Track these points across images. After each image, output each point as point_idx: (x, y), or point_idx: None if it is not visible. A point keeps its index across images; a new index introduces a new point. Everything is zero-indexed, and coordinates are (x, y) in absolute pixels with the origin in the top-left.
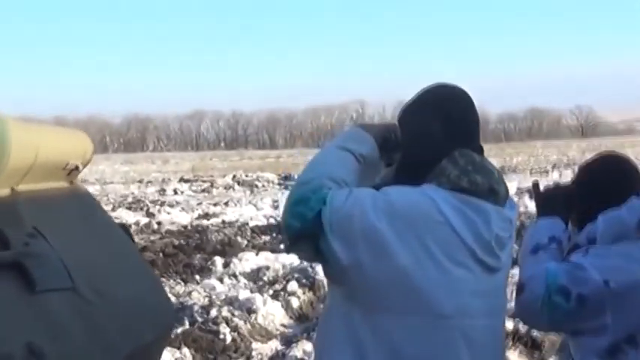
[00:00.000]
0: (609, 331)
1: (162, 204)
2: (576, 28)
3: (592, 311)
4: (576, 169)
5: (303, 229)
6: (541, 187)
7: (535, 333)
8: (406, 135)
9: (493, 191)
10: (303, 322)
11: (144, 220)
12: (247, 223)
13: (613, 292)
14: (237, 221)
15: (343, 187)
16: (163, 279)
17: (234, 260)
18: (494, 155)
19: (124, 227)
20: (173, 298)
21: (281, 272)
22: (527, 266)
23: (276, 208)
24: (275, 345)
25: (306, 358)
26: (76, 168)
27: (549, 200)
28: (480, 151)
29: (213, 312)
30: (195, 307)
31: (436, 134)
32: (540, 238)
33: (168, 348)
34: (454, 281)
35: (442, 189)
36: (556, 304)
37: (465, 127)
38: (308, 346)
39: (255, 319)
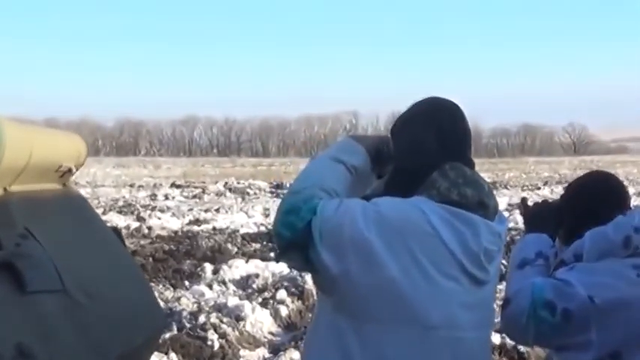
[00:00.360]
0: (594, 346)
1: (153, 209)
2: (571, 46)
3: (577, 326)
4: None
5: (293, 238)
6: (530, 203)
7: (522, 347)
8: (398, 147)
9: (483, 205)
10: (292, 331)
11: (134, 225)
12: (238, 231)
13: (598, 309)
14: (227, 228)
15: (334, 198)
16: (152, 284)
17: (224, 267)
18: (486, 170)
19: (116, 230)
20: (162, 304)
21: (270, 280)
22: (513, 281)
23: (267, 216)
24: (263, 353)
25: None
26: (69, 170)
27: (537, 216)
28: (471, 164)
29: (202, 318)
30: (184, 313)
31: (428, 147)
32: (527, 253)
33: (156, 353)
34: (442, 293)
35: (432, 201)
36: (541, 318)
37: (457, 141)
38: (296, 354)
39: (244, 326)
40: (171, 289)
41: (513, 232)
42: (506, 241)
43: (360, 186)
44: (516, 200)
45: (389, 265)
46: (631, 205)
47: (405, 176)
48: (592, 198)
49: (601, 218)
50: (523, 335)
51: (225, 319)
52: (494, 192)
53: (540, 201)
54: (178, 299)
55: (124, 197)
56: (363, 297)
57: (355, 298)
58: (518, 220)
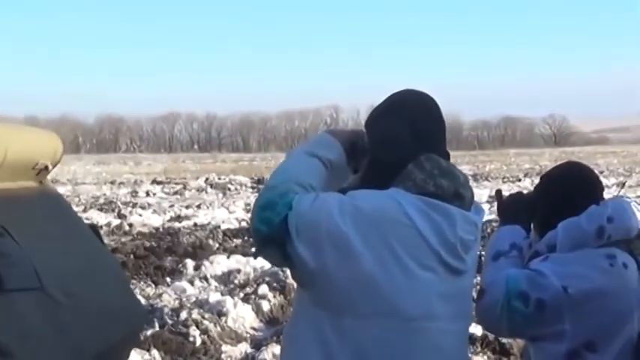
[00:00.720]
0: (568, 336)
1: (134, 206)
2: (551, 39)
3: (551, 317)
4: None
5: (270, 233)
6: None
7: (504, 339)
8: (373, 140)
9: (459, 195)
10: (274, 326)
11: (115, 222)
12: (219, 226)
13: (572, 299)
14: (209, 224)
15: (310, 192)
16: (134, 281)
17: (206, 263)
18: (467, 163)
19: (94, 227)
20: (143, 300)
21: (252, 275)
22: (488, 272)
23: (248, 211)
24: (245, 348)
25: None
26: (46, 168)
27: (511, 208)
28: (446, 155)
29: (184, 314)
30: (166, 310)
31: (402, 139)
32: (502, 245)
33: (138, 350)
34: (420, 284)
35: (408, 193)
36: (515, 309)
37: (431, 132)
38: (278, 349)
39: (226, 322)
40: (153, 285)
41: (495, 224)
42: (487, 233)
43: (335, 180)
44: None
45: (366, 258)
46: (604, 195)
47: (380, 169)
48: (567, 187)
49: (574, 209)
50: (497, 326)
51: (206, 315)
52: (475, 184)
53: (515, 193)
54: (160, 296)
55: (104, 194)
56: (341, 291)
57: (333, 292)
58: None
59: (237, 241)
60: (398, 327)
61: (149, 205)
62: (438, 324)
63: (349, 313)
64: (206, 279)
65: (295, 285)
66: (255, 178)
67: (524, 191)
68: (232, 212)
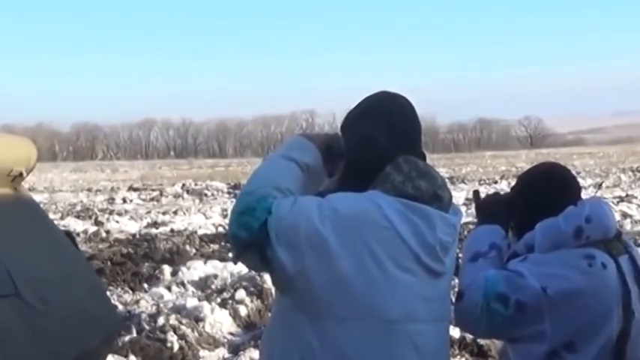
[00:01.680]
0: (547, 337)
1: (111, 212)
2: (525, 40)
3: (530, 318)
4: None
5: (249, 238)
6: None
7: (482, 341)
8: (349, 142)
9: (437, 197)
10: (251, 331)
11: (92, 229)
12: (196, 232)
13: (551, 299)
14: (185, 230)
15: (288, 196)
16: (111, 287)
17: (183, 269)
18: (443, 165)
19: (69, 234)
20: (121, 307)
21: (229, 280)
22: (466, 274)
23: (225, 216)
24: (222, 353)
25: None
26: (20, 174)
27: (489, 208)
28: (422, 157)
29: (161, 320)
30: (143, 316)
31: (379, 141)
32: (480, 246)
33: (116, 356)
34: (400, 286)
35: (387, 195)
36: (495, 310)
37: (407, 134)
38: (255, 354)
39: (203, 327)
40: (130, 292)
41: (471, 226)
42: (464, 235)
43: (312, 184)
44: None
45: (345, 261)
46: (581, 196)
47: (357, 171)
48: (545, 188)
49: (552, 209)
50: (477, 328)
51: (184, 321)
52: (452, 187)
53: (492, 193)
54: (137, 302)
55: (81, 202)
56: (321, 294)
57: (313, 296)
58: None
59: (214, 247)
60: (378, 329)
61: (126, 211)
62: (418, 326)
63: (329, 316)
64: (183, 284)
65: (273, 289)
66: (232, 183)
67: (501, 192)
68: (209, 218)
